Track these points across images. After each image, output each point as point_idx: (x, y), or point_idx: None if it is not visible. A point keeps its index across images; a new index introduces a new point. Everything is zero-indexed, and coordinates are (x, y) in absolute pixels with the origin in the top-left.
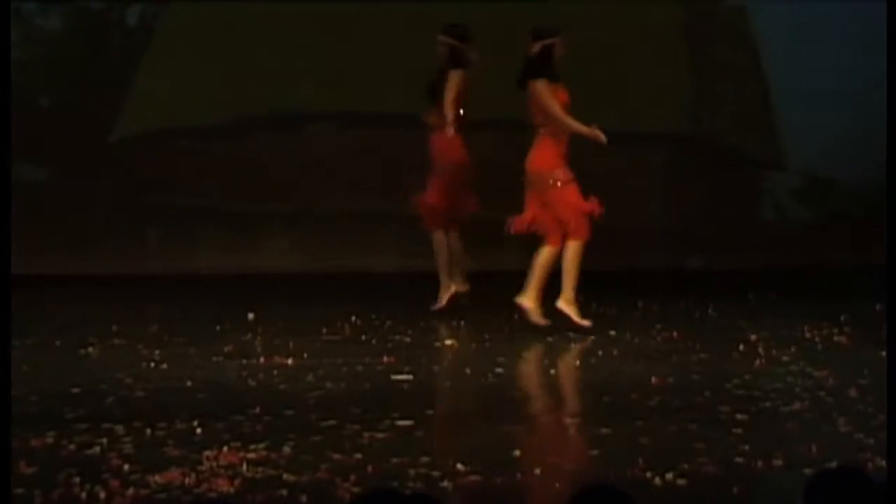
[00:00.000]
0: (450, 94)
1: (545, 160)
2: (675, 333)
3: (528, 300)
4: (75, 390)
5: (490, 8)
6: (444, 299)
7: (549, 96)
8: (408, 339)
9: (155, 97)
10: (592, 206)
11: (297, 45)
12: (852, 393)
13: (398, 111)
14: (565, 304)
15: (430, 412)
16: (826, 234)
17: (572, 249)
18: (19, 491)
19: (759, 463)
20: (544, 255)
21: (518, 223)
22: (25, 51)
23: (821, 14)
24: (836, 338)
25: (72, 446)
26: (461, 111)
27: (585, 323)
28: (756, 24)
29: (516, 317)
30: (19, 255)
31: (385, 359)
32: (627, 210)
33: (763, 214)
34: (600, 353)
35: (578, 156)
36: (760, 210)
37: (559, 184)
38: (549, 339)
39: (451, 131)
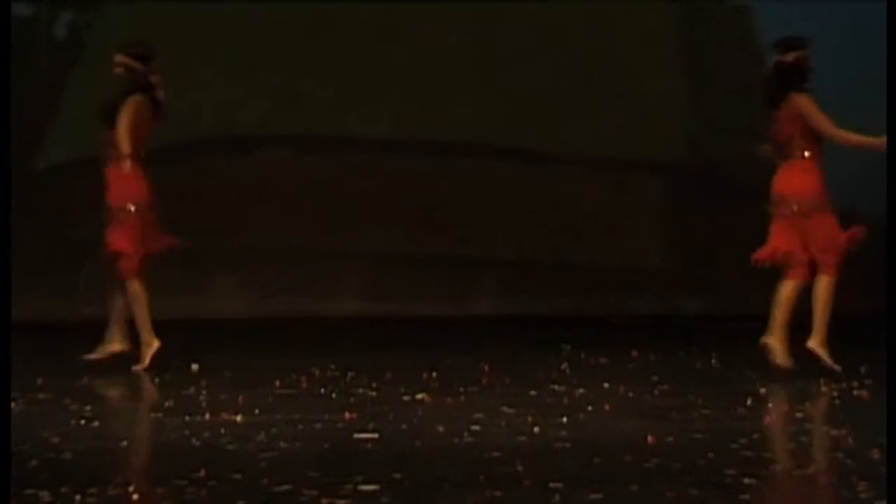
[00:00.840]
0: (123, 121)
1: (804, 185)
2: (673, 386)
3: (774, 339)
4: None
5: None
6: (147, 357)
7: (817, 110)
8: (372, 393)
9: (86, 119)
10: (853, 235)
11: (245, 61)
12: (874, 455)
13: (356, 135)
14: (817, 346)
15: (397, 476)
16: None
17: (825, 285)
18: None
19: None
20: (788, 289)
21: (763, 253)
22: None
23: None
24: (855, 391)
25: None
26: (138, 142)
27: (837, 368)
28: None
29: (770, 358)
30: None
31: (347, 415)
32: (619, 247)
33: None
34: (590, 408)
35: (557, 187)
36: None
37: (817, 212)
38: (532, 392)
39: (126, 165)
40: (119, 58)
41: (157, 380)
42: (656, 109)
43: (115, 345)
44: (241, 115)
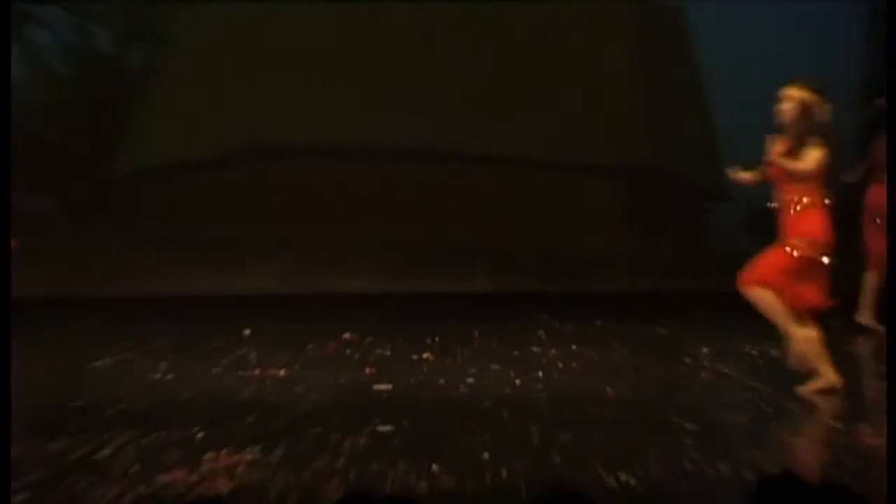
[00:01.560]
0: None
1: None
2: (630, 350)
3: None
4: (82, 401)
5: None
6: None
7: None
8: (387, 354)
9: (153, 134)
10: None
11: (283, 82)
12: (790, 404)
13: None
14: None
15: (407, 420)
16: None
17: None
18: (26, 496)
19: (707, 468)
20: (874, 278)
21: (877, 255)
22: (39, 91)
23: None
24: (772, 352)
25: (80, 452)
26: None
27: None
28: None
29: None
30: (41, 279)
31: (366, 371)
32: (587, 237)
33: (710, 242)
34: (561, 366)
35: (534, 186)
36: (709, 238)
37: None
38: (515, 352)
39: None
40: None
41: (215, 343)
42: (618, 126)
43: None
44: (279, 127)
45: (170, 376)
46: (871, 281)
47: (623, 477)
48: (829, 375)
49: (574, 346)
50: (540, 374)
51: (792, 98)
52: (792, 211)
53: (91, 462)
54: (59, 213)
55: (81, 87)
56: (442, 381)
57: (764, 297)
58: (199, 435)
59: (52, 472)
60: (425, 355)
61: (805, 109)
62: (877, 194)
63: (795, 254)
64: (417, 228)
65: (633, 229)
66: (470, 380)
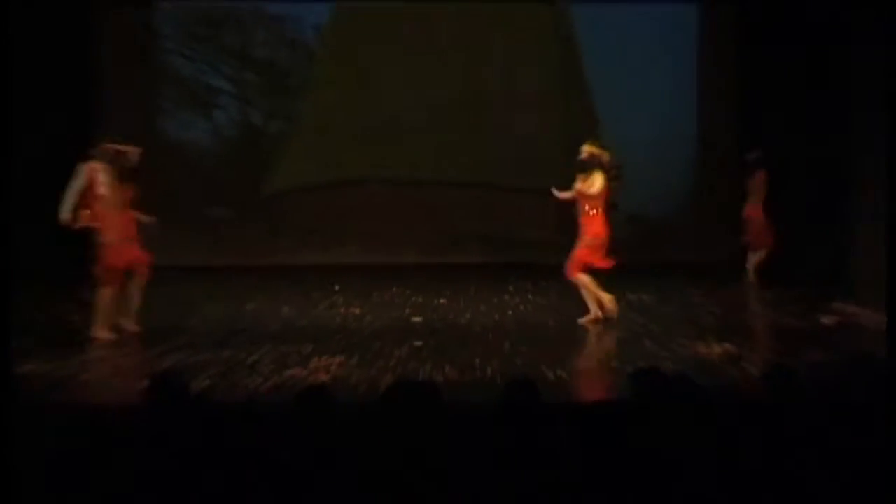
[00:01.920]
0: None
1: None
2: (557, 296)
3: None
4: (241, 327)
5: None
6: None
7: None
8: (420, 300)
9: (283, 171)
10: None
11: (361, 143)
12: (682, 347)
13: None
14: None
15: (432, 339)
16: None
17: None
18: (209, 383)
19: (606, 363)
20: None
21: None
22: (216, 145)
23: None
24: (662, 308)
25: (239, 357)
26: None
27: None
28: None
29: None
30: (228, 254)
31: (407, 310)
32: (534, 232)
33: None
34: (522, 307)
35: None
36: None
37: None
38: (495, 299)
39: None
40: None
41: (317, 293)
42: (529, 150)
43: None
44: (356, 168)
45: (291, 313)
46: (752, 259)
47: (558, 372)
48: (596, 312)
49: (529, 296)
50: (510, 312)
51: (587, 150)
52: (586, 217)
53: (245, 363)
54: (233, 216)
55: (242, 142)
56: (451, 315)
57: (582, 279)
58: (309, 348)
59: (224, 369)
60: (442, 301)
61: (593, 156)
62: (750, 210)
63: (587, 241)
64: (435, 225)
65: (560, 226)
66: (468, 315)
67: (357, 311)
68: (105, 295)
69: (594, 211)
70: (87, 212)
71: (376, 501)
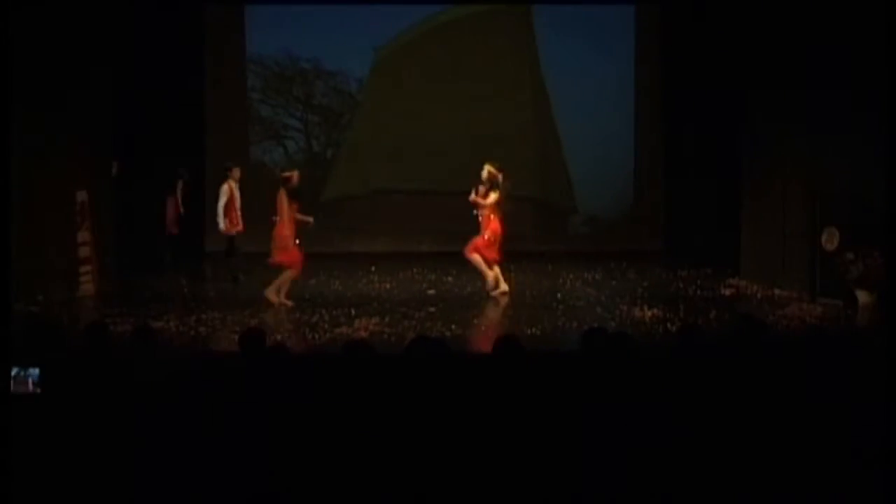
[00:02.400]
0: None
1: None
2: (524, 274)
3: None
4: (309, 295)
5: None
6: None
7: None
8: (433, 277)
9: (331, 183)
10: None
11: (384, 161)
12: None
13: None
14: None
15: (440, 306)
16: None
17: None
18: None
19: (566, 326)
20: None
21: None
22: (287, 164)
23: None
24: (614, 281)
25: (311, 318)
26: None
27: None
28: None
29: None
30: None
31: (425, 285)
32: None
33: (570, 231)
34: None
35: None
36: (569, 228)
37: None
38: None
39: None
40: None
41: (359, 273)
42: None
43: None
44: (383, 180)
45: (340, 286)
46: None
47: (533, 330)
48: (498, 286)
49: (513, 275)
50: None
51: (488, 170)
52: (484, 218)
53: (308, 323)
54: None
55: (306, 164)
56: (457, 289)
57: (475, 258)
58: (353, 311)
59: (293, 327)
60: (450, 278)
61: (491, 174)
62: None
63: (486, 237)
64: (444, 223)
65: (537, 224)
66: (468, 288)
67: (387, 285)
68: (286, 277)
69: (492, 215)
70: (227, 220)
71: (402, 428)
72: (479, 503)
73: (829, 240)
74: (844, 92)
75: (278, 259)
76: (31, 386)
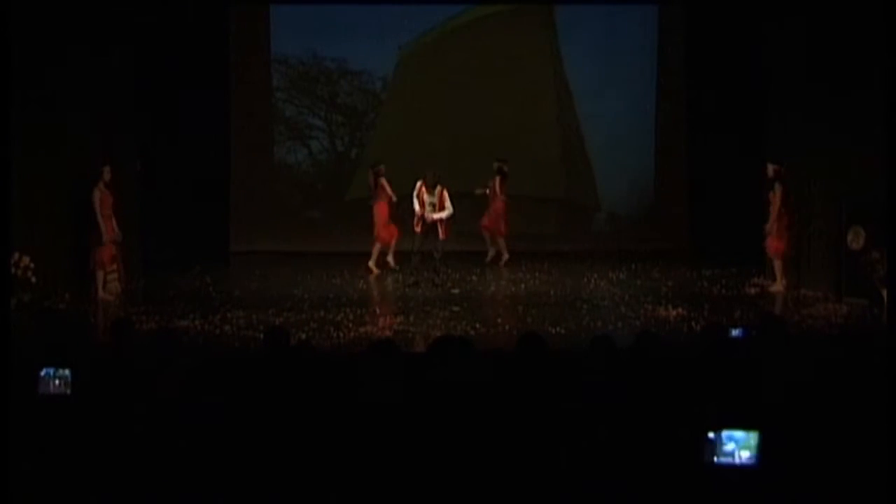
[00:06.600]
0: None
1: None
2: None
3: None
4: (332, 294)
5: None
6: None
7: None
8: (457, 276)
9: (350, 186)
10: None
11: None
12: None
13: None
14: None
15: (464, 304)
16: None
17: None
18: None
19: (589, 328)
20: None
21: None
22: (309, 166)
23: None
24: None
25: (332, 317)
26: None
27: None
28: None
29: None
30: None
31: (449, 284)
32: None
33: (594, 229)
34: (531, 281)
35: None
36: (593, 227)
37: None
38: (520, 273)
39: None
40: None
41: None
42: (538, 166)
43: None
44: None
45: (364, 285)
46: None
47: (559, 329)
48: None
49: (537, 274)
50: (522, 285)
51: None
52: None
53: (332, 321)
54: (324, 216)
55: (330, 164)
56: (480, 288)
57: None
58: (377, 310)
59: (317, 326)
60: (473, 277)
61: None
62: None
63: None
64: (466, 222)
65: (559, 224)
66: (492, 287)
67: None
68: (377, 248)
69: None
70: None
71: (427, 426)
72: (503, 501)
73: (855, 239)
74: (869, 91)
75: (381, 235)
76: (63, 387)
